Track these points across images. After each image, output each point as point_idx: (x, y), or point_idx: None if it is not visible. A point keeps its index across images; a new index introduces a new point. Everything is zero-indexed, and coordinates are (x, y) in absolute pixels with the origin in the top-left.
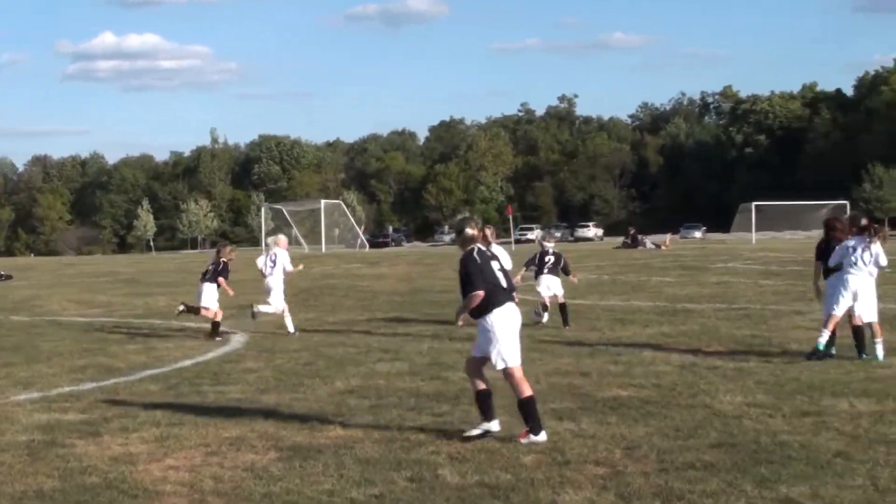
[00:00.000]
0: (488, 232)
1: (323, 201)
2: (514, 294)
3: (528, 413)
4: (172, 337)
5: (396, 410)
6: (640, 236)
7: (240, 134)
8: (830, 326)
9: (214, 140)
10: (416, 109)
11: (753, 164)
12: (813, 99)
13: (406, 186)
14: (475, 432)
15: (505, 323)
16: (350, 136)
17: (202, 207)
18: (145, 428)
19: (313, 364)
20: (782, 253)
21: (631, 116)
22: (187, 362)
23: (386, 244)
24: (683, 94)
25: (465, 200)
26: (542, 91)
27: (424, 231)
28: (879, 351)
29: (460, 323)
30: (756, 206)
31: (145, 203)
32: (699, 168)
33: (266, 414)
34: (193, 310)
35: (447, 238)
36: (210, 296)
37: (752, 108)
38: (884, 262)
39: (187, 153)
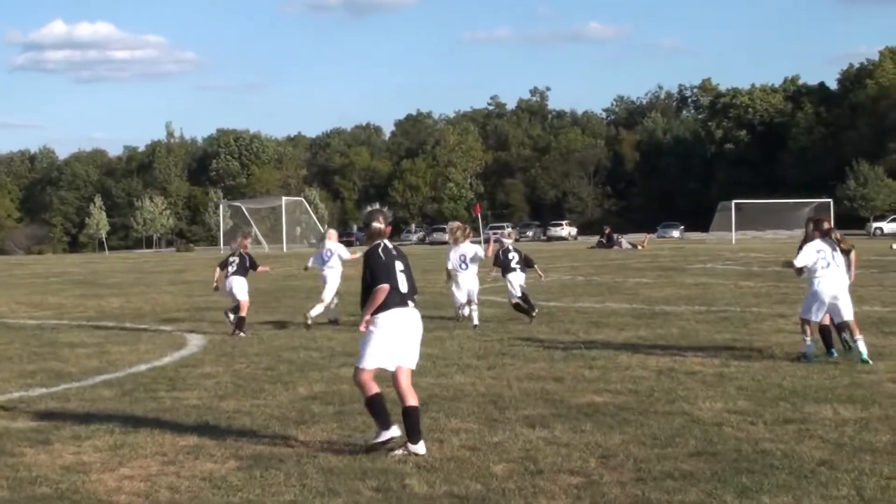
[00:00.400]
0: (459, 231)
1: (284, 198)
2: (413, 299)
3: (410, 424)
4: (126, 340)
5: (361, 417)
6: (615, 236)
7: (197, 128)
8: (809, 331)
9: (170, 134)
10: (382, 103)
11: (733, 160)
12: (795, 93)
13: (371, 183)
14: (378, 440)
15: (391, 326)
16: (312, 130)
17: (157, 205)
18: (98, 436)
19: (274, 369)
20: (764, 253)
21: (606, 110)
22: (142, 367)
23: (350, 243)
24: (661, 88)
25: (432, 198)
26: (513, 84)
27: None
28: (862, 347)
29: (363, 328)
30: (736, 204)
31: (98, 200)
32: (677, 165)
33: (225, 421)
34: (238, 311)
35: (414, 237)
36: (243, 288)
37: (732, 101)
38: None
39: (142, 148)
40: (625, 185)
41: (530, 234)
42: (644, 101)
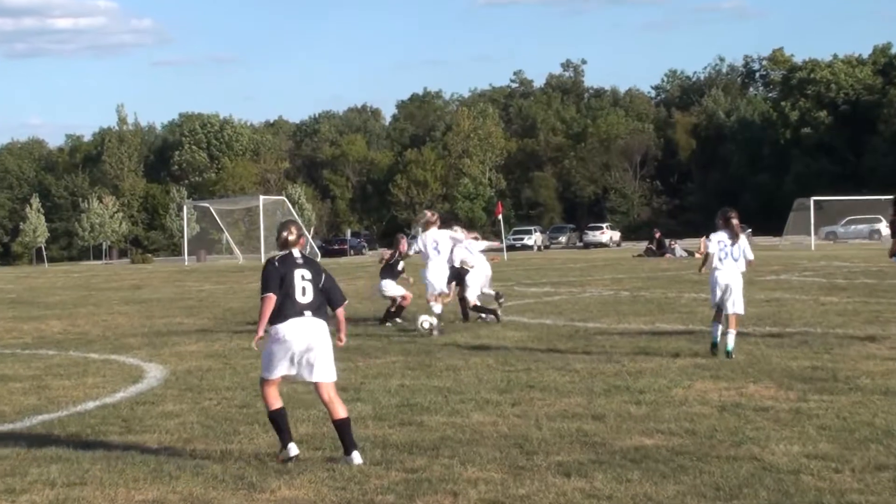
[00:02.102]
0: (461, 233)
1: (262, 197)
2: (317, 310)
3: (341, 436)
4: (71, 372)
5: (357, 465)
6: (668, 241)
7: (155, 112)
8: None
9: (123, 120)
10: (381, 80)
11: (812, 148)
12: (887, 65)
13: (368, 178)
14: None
15: (286, 336)
16: (296, 114)
17: (108, 206)
18: (36, 489)
19: (251, 406)
20: (850, 262)
21: (655, 88)
22: (90, 404)
23: (343, 252)
24: (722, 60)
25: (443, 196)
26: (541, 57)
27: (392, 235)
28: (731, 342)
29: (255, 341)
30: (816, 201)
31: (35, 201)
32: (743, 154)
33: (191, 470)
34: (396, 310)
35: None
36: (394, 287)
37: (809, 76)
38: (751, 255)
39: (88, 137)
40: (679, 179)
41: (563, 239)
42: (702, 77)
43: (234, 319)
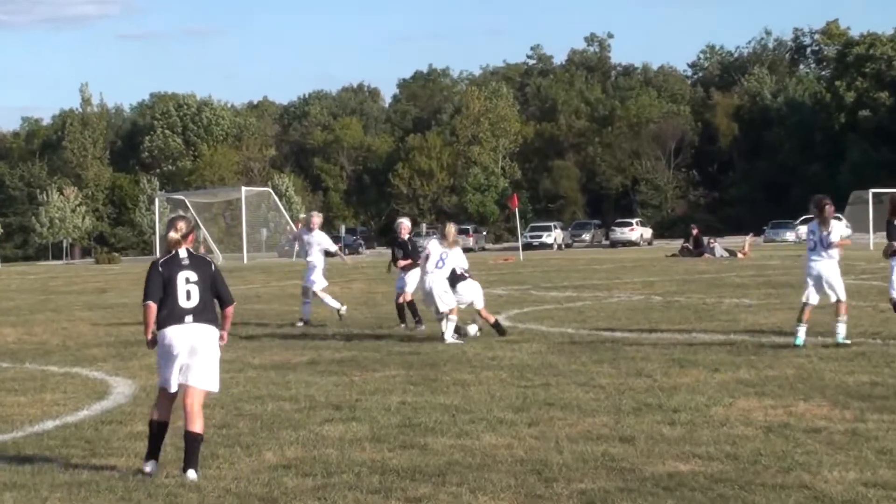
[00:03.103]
0: (452, 231)
1: (245, 189)
2: (190, 316)
3: (186, 448)
4: (27, 387)
5: (353, 493)
6: (706, 239)
7: (123, 92)
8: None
9: (86, 101)
10: (380, 57)
11: (871, 133)
12: None
13: (365, 167)
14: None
15: (166, 343)
16: (284, 95)
17: (69, 199)
18: None
19: (232, 427)
20: None
21: (691, 66)
22: (49, 424)
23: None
24: (768, 34)
25: (450, 188)
26: (562, 29)
27: (393, 232)
28: (843, 330)
29: (150, 347)
30: (875, 194)
31: None
32: (792, 140)
33: (164, 499)
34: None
35: (424, 242)
36: (469, 288)
37: (868, 52)
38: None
39: (47, 120)
40: (719, 168)
41: (586, 237)
42: (745, 53)
43: None
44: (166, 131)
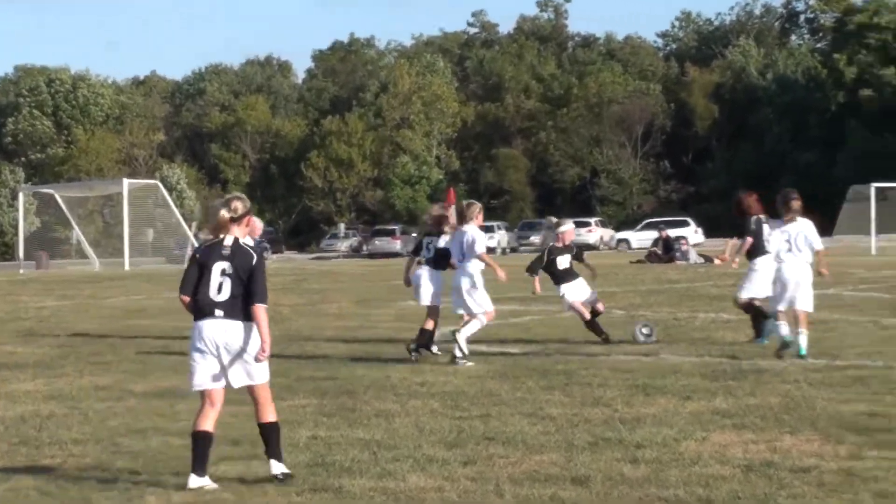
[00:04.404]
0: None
1: (127, 181)
2: (227, 307)
3: (266, 440)
4: None
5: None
6: (678, 242)
7: None
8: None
9: None
10: (291, 25)
11: (874, 117)
12: None
13: (273, 156)
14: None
15: (196, 340)
16: (176, 69)
17: None
18: None
19: (107, 467)
20: None
21: (662, 36)
22: None
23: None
24: None
25: (373, 180)
26: None
27: (305, 233)
28: (804, 343)
29: None
30: (878, 189)
31: None
32: (782, 124)
33: None
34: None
35: (343, 245)
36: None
37: (871, 21)
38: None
39: None
40: (694, 157)
41: (536, 239)
42: (726, 22)
43: (85, 348)
44: (34, 112)
